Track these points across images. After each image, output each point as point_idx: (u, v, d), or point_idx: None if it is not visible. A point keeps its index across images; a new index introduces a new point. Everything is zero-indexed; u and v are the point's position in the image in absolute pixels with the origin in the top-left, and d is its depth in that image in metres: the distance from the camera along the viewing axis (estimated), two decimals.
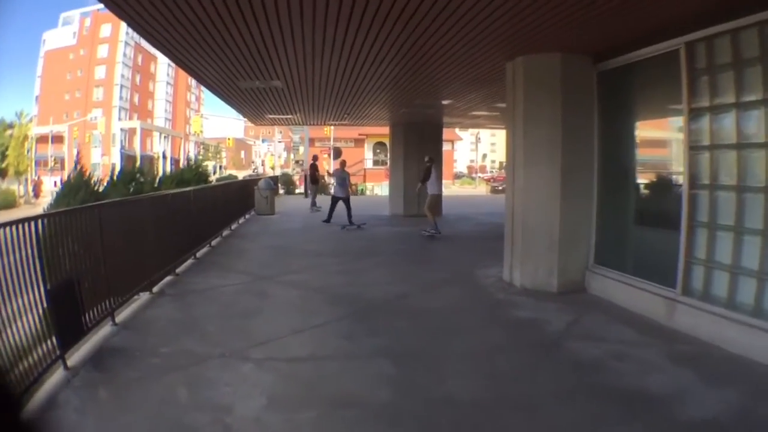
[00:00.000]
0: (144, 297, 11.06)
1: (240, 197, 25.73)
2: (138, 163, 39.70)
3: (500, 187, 54.01)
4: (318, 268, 14.28)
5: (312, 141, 72.80)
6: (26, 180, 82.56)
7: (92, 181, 16.41)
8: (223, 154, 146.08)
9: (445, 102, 19.24)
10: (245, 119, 28.28)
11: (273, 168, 72.09)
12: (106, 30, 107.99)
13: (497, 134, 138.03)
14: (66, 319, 7.32)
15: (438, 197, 21.67)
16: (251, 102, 19.62)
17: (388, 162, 31.65)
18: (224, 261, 15.17)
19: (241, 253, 16.54)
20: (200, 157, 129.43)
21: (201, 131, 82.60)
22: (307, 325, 9.42)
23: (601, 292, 11.28)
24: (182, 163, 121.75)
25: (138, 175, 17.68)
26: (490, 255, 15.38)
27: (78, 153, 79.70)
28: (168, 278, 12.76)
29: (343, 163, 24.39)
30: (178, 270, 13.48)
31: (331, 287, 12.20)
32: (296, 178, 54.18)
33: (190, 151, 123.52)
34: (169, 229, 13.08)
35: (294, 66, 13.53)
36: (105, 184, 17.84)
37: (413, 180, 25.11)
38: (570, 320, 9.79)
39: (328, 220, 23.79)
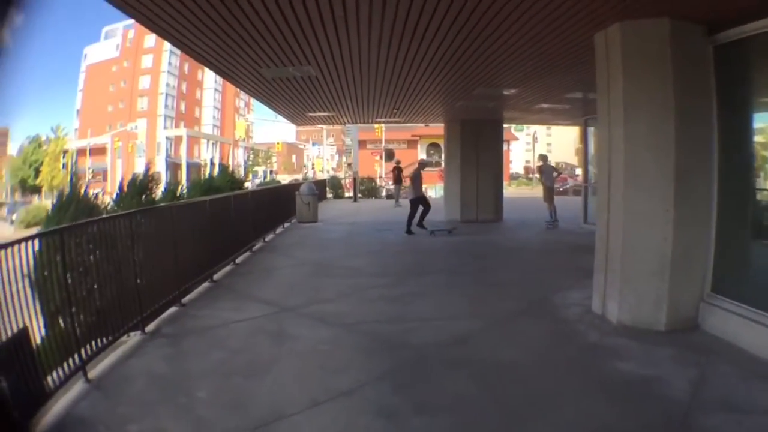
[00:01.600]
0: (134, 338, 8.71)
1: (277, 204, 23.36)
2: (184, 172, 39.02)
3: (561, 188, 51.11)
4: (356, 294, 11.55)
5: (363, 143, 71.32)
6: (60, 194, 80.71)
7: (89, 194, 13.88)
8: (274, 159, 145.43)
9: (508, 92, 16.56)
10: (289, 121, 25.80)
11: (321, 171, 69.82)
12: (150, 41, 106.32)
13: (554, 134, 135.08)
14: (19, 385, 5.73)
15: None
16: (284, 96, 17.31)
17: (443, 163, 28.76)
18: (244, 285, 12.46)
19: (267, 273, 13.90)
20: (249, 163, 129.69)
21: (245, 136, 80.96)
22: (332, 390, 6.74)
23: (721, 331, 8.43)
24: (232, 169, 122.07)
25: (151, 184, 15.14)
26: (566, 274, 13.12)
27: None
28: (171, 310, 10.29)
29: (422, 164, 22.07)
30: (185, 299, 10.95)
31: (369, 323, 9.47)
32: (346, 181, 51.57)
33: (238, 157, 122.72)
34: (173, 250, 10.64)
35: (327, 47, 11.22)
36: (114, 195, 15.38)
37: (471, 182, 22.74)
38: (694, 377, 6.98)
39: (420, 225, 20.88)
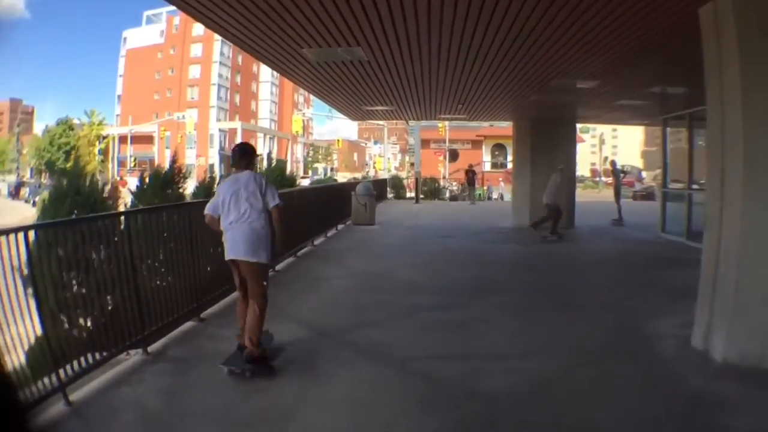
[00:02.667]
0: (133, 358, 7.42)
1: (330, 204, 21.61)
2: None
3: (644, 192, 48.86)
4: (410, 317, 9.78)
5: (426, 142, 70.08)
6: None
7: (96, 184, 12.40)
8: (334, 156, 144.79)
9: (588, 84, 14.66)
10: (344, 115, 24.16)
11: (382, 170, 68.32)
12: (198, 29, 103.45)
13: (619, 135, 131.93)
14: None
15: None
16: (334, 85, 15.65)
17: (511, 165, 26.89)
18: (280, 298, 10.27)
19: (310, 285, 12.19)
20: (309, 159, 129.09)
21: (302, 132, 79.77)
22: None
23: None
24: (290, 165, 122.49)
25: (178, 178, 13.73)
26: (652, 294, 11.46)
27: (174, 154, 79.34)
28: (186, 325, 8.83)
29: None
30: (205, 312, 9.44)
31: (423, 360, 7.67)
32: (408, 181, 49.90)
33: (296, 152, 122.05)
34: (189, 252, 9.16)
35: (380, 25, 9.70)
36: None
37: (541, 186, 20.72)
38: None
39: (554, 232, 19.53)
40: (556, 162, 20.70)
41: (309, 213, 17.63)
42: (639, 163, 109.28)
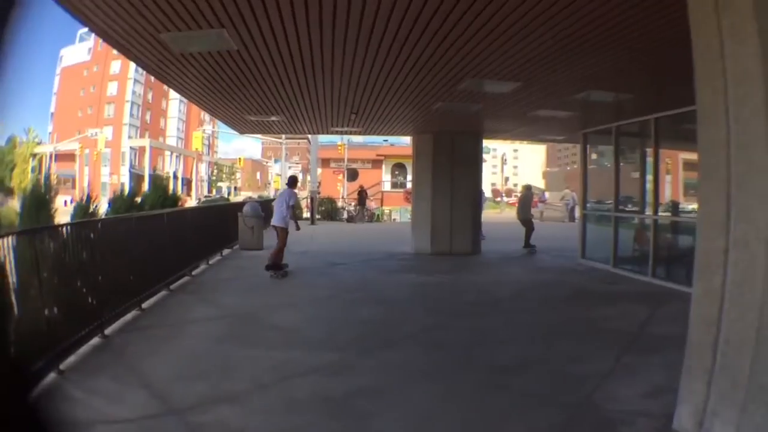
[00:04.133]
0: None
1: (215, 227, 19.42)
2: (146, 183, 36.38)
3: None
4: (276, 387, 7.11)
5: (326, 162, 68.52)
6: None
7: None
8: (238, 175, 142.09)
9: (504, 88, 12.22)
10: (229, 126, 21.36)
11: (278, 189, 65.65)
12: None
13: (520, 156, 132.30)
14: None
15: None
16: (203, 85, 12.74)
17: (411, 183, 24.23)
18: (138, 351, 8.24)
19: (171, 332, 9.67)
20: (213, 178, 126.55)
21: (201, 149, 78.27)
22: None
23: None
24: (194, 184, 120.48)
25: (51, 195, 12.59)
26: (593, 343, 9.17)
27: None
28: None
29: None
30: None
31: None
32: (306, 201, 47.02)
33: (201, 171, 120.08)
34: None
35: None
36: None
37: (444, 207, 19.23)
38: None
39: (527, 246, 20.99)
40: (461, 180, 19.04)
41: (187, 238, 15.46)
42: (540, 183, 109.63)
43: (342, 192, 60.65)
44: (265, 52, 9.72)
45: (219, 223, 20.10)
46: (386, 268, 17.26)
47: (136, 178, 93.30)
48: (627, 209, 16.95)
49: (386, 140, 59.93)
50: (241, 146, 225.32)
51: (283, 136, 65.28)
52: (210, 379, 7.34)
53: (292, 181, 16.35)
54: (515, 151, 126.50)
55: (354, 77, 11.54)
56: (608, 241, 16.89)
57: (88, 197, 15.62)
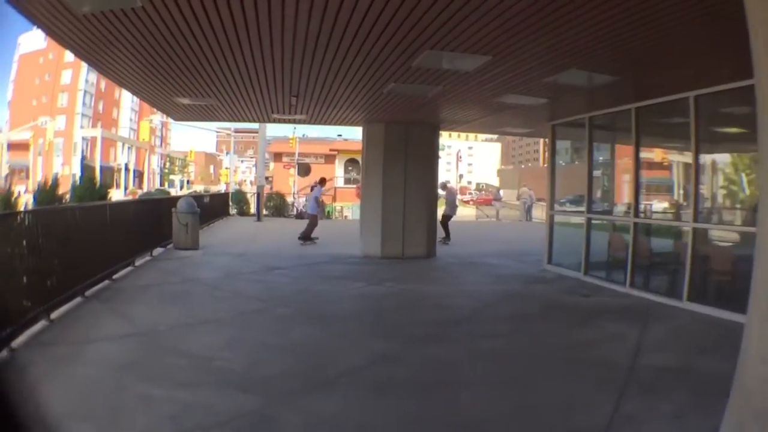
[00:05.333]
0: None
1: (146, 225, 17.37)
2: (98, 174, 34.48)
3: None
4: None
5: (278, 156, 67.23)
6: None
7: None
8: (191, 168, 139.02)
9: (470, 65, 10.18)
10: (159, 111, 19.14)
11: (227, 183, 63.33)
12: None
13: (475, 153, 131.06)
14: None
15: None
16: (121, 59, 10.56)
17: (360, 178, 22.15)
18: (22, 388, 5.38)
19: (65, 358, 7.68)
20: (166, 171, 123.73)
21: (149, 138, 76.46)
22: None
23: None
24: (146, 176, 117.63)
25: None
26: (579, 378, 7.38)
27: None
28: None
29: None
30: None
31: None
32: (249, 196, 44.54)
33: (153, 163, 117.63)
34: None
35: None
36: None
37: (396, 205, 17.64)
38: None
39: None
40: (415, 176, 17.51)
41: (108, 236, 13.38)
42: (495, 181, 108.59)
43: (293, 187, 58.78)
44: (176, 12, 7.64)
45: (150, 220, 17.98)
46: (330, 274, 15.19)
47: (88, 169, 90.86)
48: (601, 210, 15.27)
49: (340, 135, 58.72)
50: (197, 138, 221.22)
51: (232, 128, 63.23)
52: (97, 423, 5.79)
53: (322, 181, 24.28)
54: (470, 148, 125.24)
55: (287, 47, 9.42)
56: (579, 245, 15.04)
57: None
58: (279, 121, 20.59)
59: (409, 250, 18.11)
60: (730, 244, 11.40)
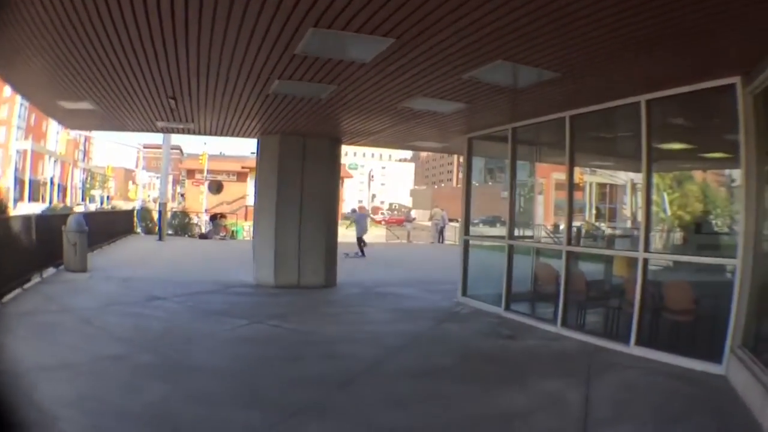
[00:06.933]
0: None
1: (38, 244, 15.55)
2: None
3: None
4: None
5: (192, 173, 65.37)
6: None
7: None
8: (111, 184, 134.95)
9: (368, 54, 7.90)
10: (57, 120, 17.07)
11: (136, 199, 60.45)
12: None
13: (388, 173, 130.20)
14: None
15: None
16: None
17: (254, 196, 19.38)
18: None
19: None
20: (87, 186, 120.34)
21: (64, 151, 75.40)
22: None
23: None
24: (69, 191, 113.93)
25: None
26: None
27: None
28: None
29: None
30: None
31: None
32: (155, 213, 41.89)
33: (76, 177, 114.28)
34: None
35: None
36: None
37: (291, 227, 15.52)
38: None
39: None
40: (313, 194, 15.59)
41: None
42: (408, 201, 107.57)
43: (203, 205, 56.22)
44: None
45: (45, 238, 16.10)
46: (212, 307, 12.68)
47: (21, 183, 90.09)
48: (526, 236, 13.28)
49: (253, 153, 57.01)
50: (118, 153, 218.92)
51: (141, 144, 60.84)
52: None
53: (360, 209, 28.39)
54: (383, 168, 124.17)
55: (143, 27, 6.96)
56: (498, 274, 12.66)
57: None
58: (166, 130, 18.26)
59: (306, 279, 15.62)
60: (687, 277, 9.31)
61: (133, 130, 18.06)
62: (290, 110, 12.29)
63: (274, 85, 9.81)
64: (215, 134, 17.02)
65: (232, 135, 17.14)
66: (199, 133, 17.36)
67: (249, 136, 17.05)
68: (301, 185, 15.67)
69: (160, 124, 15.38)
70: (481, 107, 11.08)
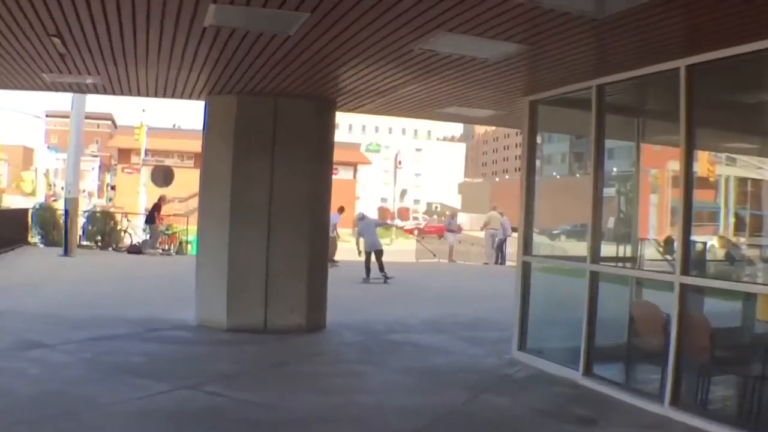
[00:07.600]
0: None
1: None
2: None
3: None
4: None
5: (125, 154, 66.87)
6: None
7: None
8: (2, 170, 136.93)
9: None
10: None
11: (51, 195, 61.24)
12: None
13: (425, 157, 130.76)
14: None
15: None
16: None
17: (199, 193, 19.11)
18: None
19: None
20: None
21: None
22: None
23: None
24: None
25: None
26: None
27: None
28: None
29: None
30: None
31: None
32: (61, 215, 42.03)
33: None
34: None
35: None
36: None
37: (255, 240, 15.55)
38: None
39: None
40: (290, 188, 15.47)
41: None
42: (455, 200, 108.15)
43: (140, 202, 56.48)
44: None
45: None
46: (120, 361, 12.57)
47: None
48: (622, 257, 13.10)
49: None
50: (20, 125, 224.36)
51: (44, 112, 61.28)
52: None
53: (341, 210, 32.32)
54: (418, 150, 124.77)
55: None
56: (576, 318, 12.38)
57: None
58: (62, 88, 18.13)
59: (277, 319, 15.46)
60: None
61: (15, 88, 18.06)
62: (244, 55, 12.06)
63: (210, 12, 9.41)
64: (137, 94, 17.16)
65: (163, 95, 17.09)
66: (115, 93, 17.31)
67: (190, 97, 16.87)
68: (271, 174, 15.48)
69: (48, 77, 15.47)
70: (547, 51, 10.68)
